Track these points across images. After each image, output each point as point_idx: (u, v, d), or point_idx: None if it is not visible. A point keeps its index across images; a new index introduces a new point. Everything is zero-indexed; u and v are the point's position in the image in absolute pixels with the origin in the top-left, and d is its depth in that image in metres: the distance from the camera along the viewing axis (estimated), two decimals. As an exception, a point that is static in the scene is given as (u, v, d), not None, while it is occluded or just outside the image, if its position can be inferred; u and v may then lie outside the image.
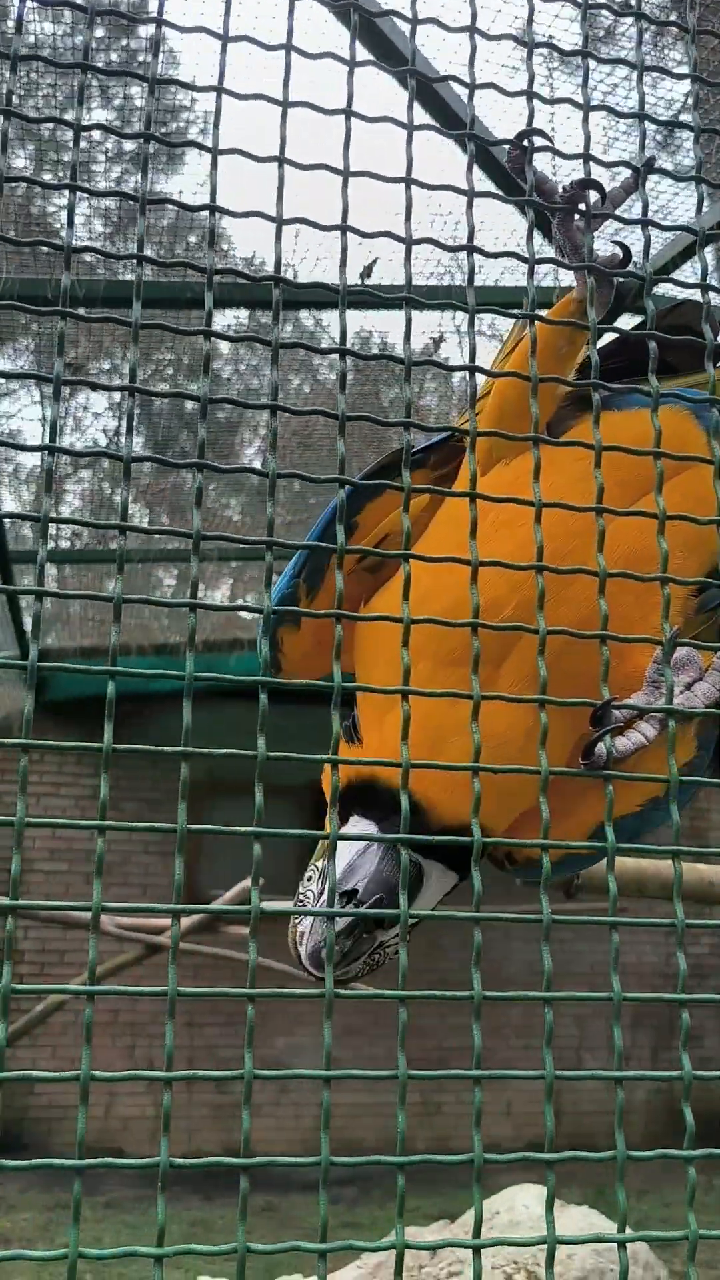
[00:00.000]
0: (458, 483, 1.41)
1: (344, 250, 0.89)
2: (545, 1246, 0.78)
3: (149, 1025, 9.51)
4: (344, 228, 0.90)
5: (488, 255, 0.94)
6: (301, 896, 1.48)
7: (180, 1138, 9.33)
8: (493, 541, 1.18)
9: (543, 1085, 0.81)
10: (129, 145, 6.46)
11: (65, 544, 8.18)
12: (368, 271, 4.82)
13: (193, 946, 6.91)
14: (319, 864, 1.48)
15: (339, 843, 1.41)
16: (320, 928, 1.40)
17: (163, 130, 5.37)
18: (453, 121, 3.55)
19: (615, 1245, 0.80)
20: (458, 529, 1.35)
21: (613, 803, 0.85)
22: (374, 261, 4.97)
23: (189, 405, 8.52)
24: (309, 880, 1.48)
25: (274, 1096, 9.43)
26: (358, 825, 1.38)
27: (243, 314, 6.55)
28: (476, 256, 0.92)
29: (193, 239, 6.20)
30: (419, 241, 0.92)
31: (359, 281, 4.90)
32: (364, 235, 0.92)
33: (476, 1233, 0.76)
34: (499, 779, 1.33)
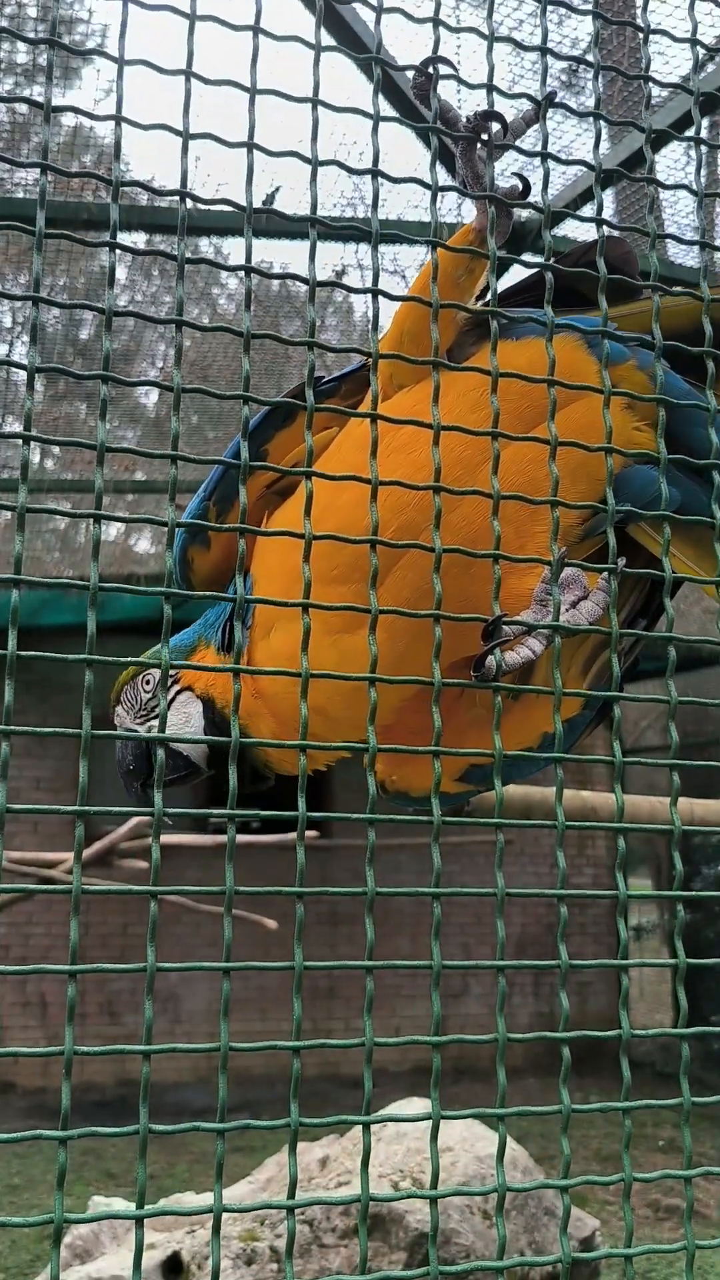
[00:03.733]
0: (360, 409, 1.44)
1: (250, 169, 0.90)
2: (447, 1166, 0.84)
3: (40, 961, 9.48)
4: (250, 145, 0.90)
5: (391, 180, 0.96)
6: (136, 686, 1.65)
7: (72, 1068, 9.38)
8: (386, 466, 1.21)
9: (430, 1015, 0.86)
10: (21, 58, 6.19)
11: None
12: (270, 199, 4.74)
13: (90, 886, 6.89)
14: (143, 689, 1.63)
15: (177, 708, 1.56)
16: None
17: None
18: (360, 49, 3.50)
19: (495, 1155, 0.87)
20: (356, 451, 1.38)
21: (501, 712, 0.90)
22: (276, 190, 4.89)
23: (83, 334, 8.29)
24: (147, 687, 1.64)
25: (167, 1027, 9.54)
26: (192, 703, 1.58)
27: (140, 238, 6.38)
28: (381, 184, 0.94)
29: (88, 159, 5.99)
30: (325, 163, 0.93)
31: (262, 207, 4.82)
32: (270, 154, 0.93)
33: (434, 1184, 0.81)
34: (351, 708, 1.42)
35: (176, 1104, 8.86)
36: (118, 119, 0.91)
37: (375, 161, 0.95)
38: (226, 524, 1.50)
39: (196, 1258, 3.00)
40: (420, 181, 0.97)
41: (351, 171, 0.95)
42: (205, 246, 6.06)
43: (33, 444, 0.86)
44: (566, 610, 1.25)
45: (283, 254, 5.25)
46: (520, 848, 10.17)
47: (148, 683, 1.62)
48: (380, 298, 0.94)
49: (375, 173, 0.94)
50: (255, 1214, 3.10)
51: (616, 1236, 6.16)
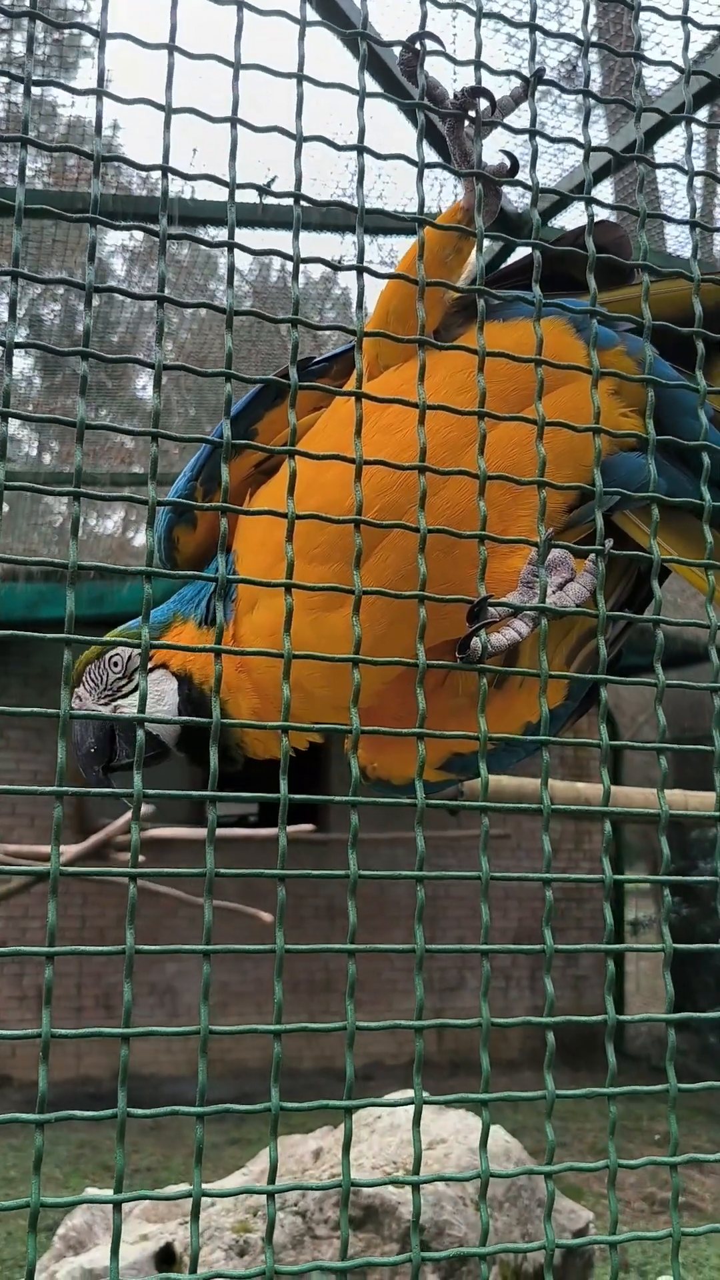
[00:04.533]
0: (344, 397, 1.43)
1: (234, 143, 0.89)
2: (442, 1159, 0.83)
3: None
4: (233, 120, 0.89)
5: (377, 156, 0.95)
6: (101, 665, 1.59)
7: (69, 1061, 9.39)
8: (371, 446, 1.20)
9: (428, 1008, 0.85)
10: (18, 48, 6.18)
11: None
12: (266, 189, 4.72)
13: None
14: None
15: (151, 686, 1.53)
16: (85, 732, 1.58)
17: (54, 38, 5.12)
18: (346, 25, 3.48)
19: (479, 1142, 0.86)
20: (341, 429, 1.37)
21: (487, 696, 0.89)
22: (272, 180, 4.87)
23: (78, 327, 8.26)
24: (114, 664, 1.59)
25: (164, 1020, 9.54)
26: (166, 680, 1.54)
27: (136, 237, 6.37)
28: (382, 182, 0.93)
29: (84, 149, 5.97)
30: (309, 139, 0.92)
31: (256, 202, 4.80)
32: (255, 129, 0.92)
33: (416, 1168, 0.81)
34: (330, 687, 1.41)
35: (173, 1096, 8.86)
36: (99, 93, 0.89)
37: (360, 138, 0.94)
38: (212, 504, 1.50)
39: (189, 1249, 2.99)
40: (406, 158, 0.95)
41: (337, 148, 0.94)
42: (210, 236, 6.03)
43: (33, 440, 0.85)
44: (553, 592, 1.23)
45: (278, 246, 5.22)
46: (516, 841, 10.16)
47: (115, 663, 1.57)
48: (369, 281, 0.93)
49: (360, 149, 0.93)
50: (248, 1205, 3.09)
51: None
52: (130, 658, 1.57)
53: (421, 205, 0.94)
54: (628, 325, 1.52)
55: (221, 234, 4.48)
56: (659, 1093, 0.89)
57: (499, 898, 10.06)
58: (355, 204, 0.93)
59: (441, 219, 1.30)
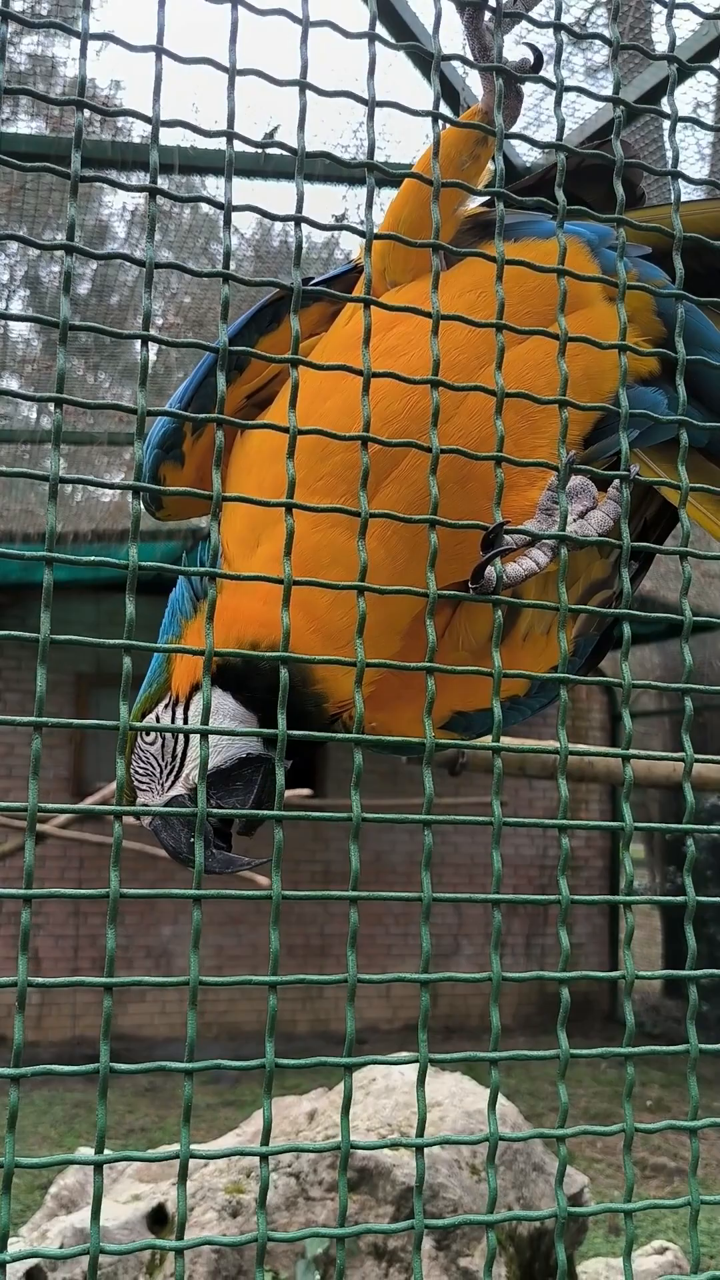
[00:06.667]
0: (346, 314, 1.35)
1: (231, 83, 0.81)
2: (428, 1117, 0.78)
3: (34, 917, 9.50)
4: (232, 69, 0.82)
5: (390, 45, 0.87)
6: (140, 753, 1.36)
7: (64, 1022, 9.42)
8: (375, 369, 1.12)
9: (418, 968, 0.79)
10: (18, 4, 6.04)
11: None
12: (269, 138, 4.61)
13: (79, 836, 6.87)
14: (162, 717, 1.37)
15: (199, 719, 1.31)
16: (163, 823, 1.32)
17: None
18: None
19: (486, 1108, 0.81)
20: (343, 351, 1.29)
21: (500, 628, 0.82)
22: (275, 129, 4.76)
23: (81, 289, 8.16)
24: (150, 741, 1.36)
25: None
26: (214, 696, 1.26)
27: (138, 197, 6.25)
28: (389, 129, 0.85)
29: (86, 113, 5.85)
30: (315, 24, 0.84)
31: (259, 152, 4.69)
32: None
33: (420, 1130, 0.75)
34: (350, 615, 1.27)
35: (166, 1058, 8.85)
36: (104, 37, 0.82)
37: (372, 26, 0.87)
38: (201, 445, 1.41)
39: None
40: (418, 49, 0.88)
41: (346, 35, 0.87)
42: (213, 188, 5.90)
43: (32, 404, 0.78)
44: (574, 520, 1.16)
45: (282, 196, 5.11)
46: (514, 810, 10.12)
47: (149, 737, 1.34)
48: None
49: (372, 36, 0.85)
50: (241, 1167, 3.07)
51: (603, 1193, 6.19)
52: (158, 719, 1.35)
53: (436, 100, 0.86)
54: (641, 252, 1.44)
55: (219, 182, 4.35)
56: (679, 1053, 0.83)
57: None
58: (360, 154, 0.86)
59: (463, 116, 1.21)
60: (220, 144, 0.81)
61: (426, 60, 0.87)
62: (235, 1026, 9.32)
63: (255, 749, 1.29)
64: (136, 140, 4.57)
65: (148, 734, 1.35)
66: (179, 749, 1.35)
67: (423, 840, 0.80)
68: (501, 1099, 3.79)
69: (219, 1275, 2.78)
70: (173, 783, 1.34)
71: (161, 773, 1.35)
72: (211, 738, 1.13)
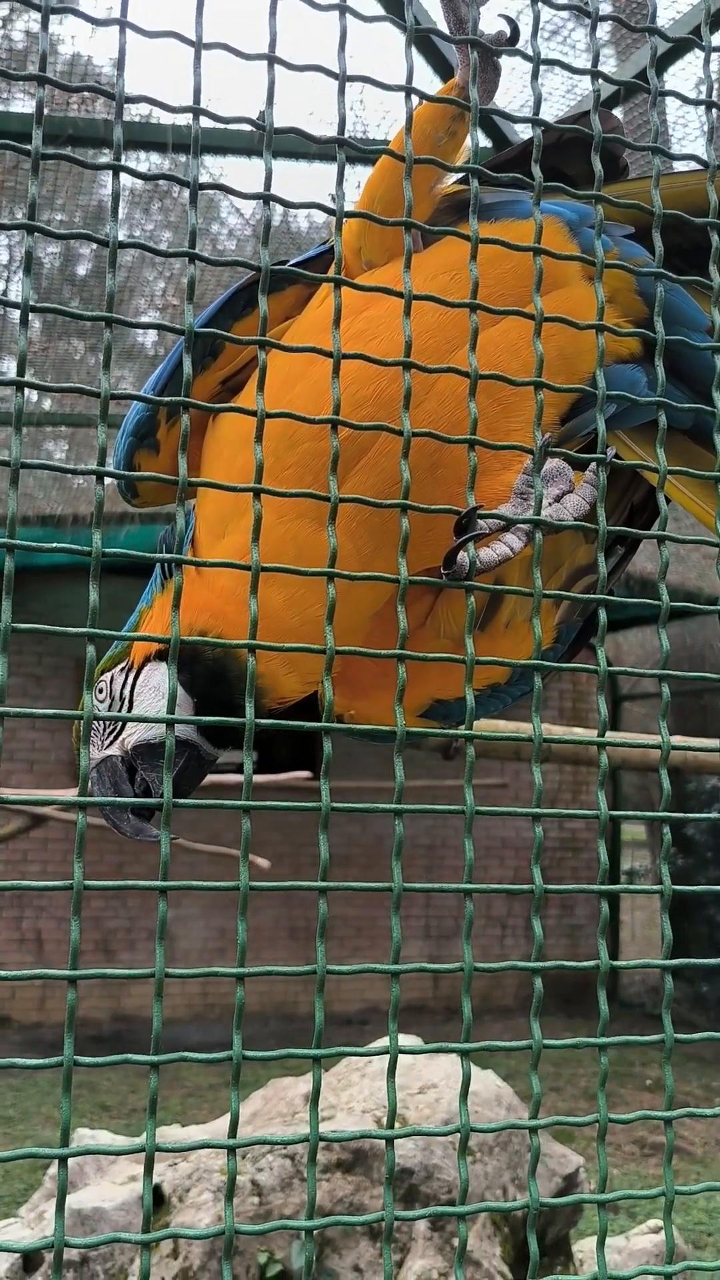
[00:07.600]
0: (318, 297, 1.32)
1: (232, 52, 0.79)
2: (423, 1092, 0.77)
3: (35, 897, 9.54)
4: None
5: (363, 19, 0.85)
6: (95, 708, 1.39)
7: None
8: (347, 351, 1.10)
9: (421, 958, 0.78)
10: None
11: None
12: (261, 117, 4.56)
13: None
14: (111, 682, 1.41)
15: (147, 690, 1.34)
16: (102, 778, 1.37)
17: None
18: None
19: (483, 1091, 0.80)
20: (312, 334, 1.27)
21: (474, 615, 0.81)
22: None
23: (80, 270, 8.12)
24: (101, 699, 1.40)
25: (164, 966, 9.60)
26: (157, 671, 1.36)
27: (145, 157, 6.19)
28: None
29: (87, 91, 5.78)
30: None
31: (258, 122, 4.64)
32: (293, 68, 0.82)
33: (390, 1123, 0.74)
34: (320, 631, 1.26)
35: (170, 1041, 8.94)
36: (121, 23, 0.80)
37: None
38: (176, 433, 1.39)
39: (178, 1190, 2.99)
40: (395, 20, 0.86)
41: (316, 7, 0.85)
42: (214, 168, 5.84)
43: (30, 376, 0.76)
44: (549, 504, 1.15)
45: (279, 174, 5.06)
46: (514, 791, 10.11)
47: (101, 695, 1.38)
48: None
49: (342, 9, 0.83)
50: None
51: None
52: (112, 680, 1.39)
53: (409, 74, 0.84)
54: (624, 231, 1.42)
55: (220, 162, 4.26)
56: (654, 1043, 0.83)
57: (496, 846, 10.02)
58: (364, 139, 0.84)
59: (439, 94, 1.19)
60: (218, 125, 0.80)
61: (418, 36, 0.85)
62: (233, 1009, 9.35)
63: (186, 734, 1.32)
64: (138, 120, 4.53)
65: (99, 691, 1.38)
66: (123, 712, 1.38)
67: (427, 822, 0.79)
68: (496, 1081, 3.80)
69: (215, 1255, 2.80)
70: (111, 742, 1.37)
71: (104, 729, 1.39)
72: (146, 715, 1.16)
